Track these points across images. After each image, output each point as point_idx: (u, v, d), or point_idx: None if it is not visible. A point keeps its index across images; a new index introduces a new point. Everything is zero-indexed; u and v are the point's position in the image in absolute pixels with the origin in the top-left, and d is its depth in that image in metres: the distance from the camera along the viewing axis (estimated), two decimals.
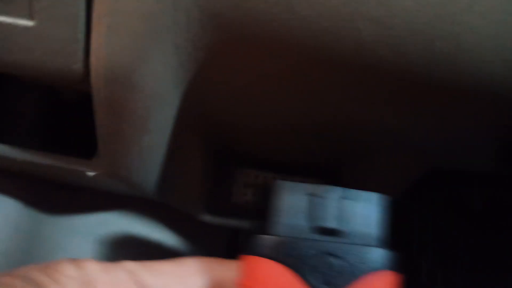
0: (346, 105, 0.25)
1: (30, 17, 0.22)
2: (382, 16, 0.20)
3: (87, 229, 0.42)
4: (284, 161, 0.38)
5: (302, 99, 0.25)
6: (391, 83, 0.22)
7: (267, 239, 0.20)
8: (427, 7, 0.19)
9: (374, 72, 0.22)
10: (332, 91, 0.24)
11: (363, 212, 0.21)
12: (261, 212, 0.39)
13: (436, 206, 0.35)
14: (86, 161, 0.30)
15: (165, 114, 0.27)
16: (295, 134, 0.31)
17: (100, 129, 0.27)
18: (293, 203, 0.20)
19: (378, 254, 0.20)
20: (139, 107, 0.25)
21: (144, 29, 0.21)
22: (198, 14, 0.21)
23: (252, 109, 0.29)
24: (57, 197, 0.41)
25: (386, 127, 0.28)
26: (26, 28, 0.22)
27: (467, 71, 0.21)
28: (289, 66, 0.22)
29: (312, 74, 0.22)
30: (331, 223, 0.20)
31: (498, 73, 0.21)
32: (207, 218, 0.40)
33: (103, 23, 0.21)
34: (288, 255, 0.20)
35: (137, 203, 0.43)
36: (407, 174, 0.32)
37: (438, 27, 0.20)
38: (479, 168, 0.31)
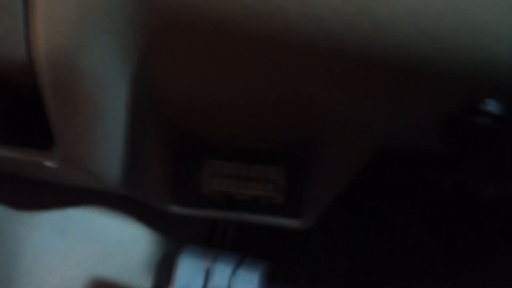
0: (293, 87, 0.26)
1: None
2: None
3: (52, 224, 0.43)
4: (247, 150, 0.39)
5: (247, 79, 0.26)
6: (321, 62, 0.23)
7: None
8: None
9: (303, 49, 0.23)
10: (268, 70, 0.25)
11: (247, 277, 0.25)
12: (227, 200, 0.40)
13: (394, 188, 0.36)
14: (44, 152, 0.31)
15: (116, 101, 0.28)
16: (250, 119, 0.32)
17: (52, 117, 0.27)
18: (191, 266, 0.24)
19: None
20: (85, 93, 0.26)
21: (79, 16, 0.22)
22: (133, 3, 0.22)
23: (204, 97, 0.29)
24: (23, 193, 0.41)
25: (335, 108, 0.29)
26: None
27: (386, 45, 0.22)
28: (229, 50, 0.23)
29: (247, 54, 0.23)
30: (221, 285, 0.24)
31: (419, 46, 0.22)
32: (176, 209, 0.40)
33: (39, 11, 0.22)
34: None
35: (104, 198, 0.44)
36: (357, 155, 0.33)
37: (353, 4, 0.21)
38: (424, 147, 0.32)
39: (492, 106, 0.25)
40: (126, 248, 0.43)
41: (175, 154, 0.39)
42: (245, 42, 0.23)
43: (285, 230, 0.39)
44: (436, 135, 0.31)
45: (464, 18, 0.21)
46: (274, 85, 0.27)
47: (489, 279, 0.36)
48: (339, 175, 0.35)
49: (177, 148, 0.38)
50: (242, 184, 0.40)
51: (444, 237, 0.39)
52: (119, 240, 0.43)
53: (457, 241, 0.37)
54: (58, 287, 0.40)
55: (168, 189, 0.40)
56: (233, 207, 0.39)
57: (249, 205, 0.39)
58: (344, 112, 0.30)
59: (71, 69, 0.24)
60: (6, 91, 0.32)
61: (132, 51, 0.25)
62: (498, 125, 0.26)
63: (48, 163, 0.31)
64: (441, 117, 0.29)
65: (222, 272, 0.26)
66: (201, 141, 0.38)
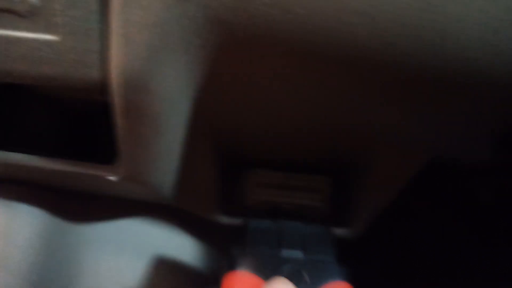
0: (346, 103, 0.27)
1: (54, 32, 0.24)
2: (372, 10, 0.21)
3: (105, 236, 0.44)
4: (292, 160, 0.39)
5: (304, 100, 0.26)
6: (386, 77, 0.24)
7: (245, 257, 0.26)
8: (413, 0, 0.21)
9: (369, 66, 0.23)
10: (330, 89, 0.25)
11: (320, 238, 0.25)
12: (273, 210, 0.40)
13: (439, 201, 0.36)
14: (109, 167, 0.32)
15: (177, 118, 0.29)
16: (299, 133, 0.32)
17: (120, 133, 0.29)
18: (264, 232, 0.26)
19: (334, 269, 0.26)
20: (154, 110, 0.27)
21: (155, 38, 0.23)
22: (204, 21, 0.23)
23: (257, 112, 0.30)
24: (78, 205, 0.43)
25: (386, 122, 0.29)
26: (50, 43, 0.24)
27: (454, 59, 0.22)
28: (289, 66, 0.24)
29: (311, 73, 0.24)
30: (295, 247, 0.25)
31: (485, 60, 0.23)
32: (223, 219, 0.41)
33: (117, 34, 0.23)
34: (263, 268, 0.25)
35: (154, 209, 0.45)
36: (407, 166, 0.33)
37: (422, 18, 0.21)
38: (478, 160, 0.32)
39: None
40: (176, 257, 0.44)
41: (222, 165, 0.40)
42: (311, 63, 0.24)
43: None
44: (490, 147, 0.31)
45: None
46: (330, 103, 0.27)
47: None
48: (389, 186, 0.36)
49: (225, 160, 0.39)
50: (288, 193, 0.41)
51: (495, 248, 0.39)
52: (169, 250, 0.44)
53: (506, 253, 0.37)
54: None
55: (216, 200, 0.41)
56: (279, 216, 0.40)
57: (295, 214, 0.40)
58: (393, 125, 0.30)
59: (142, 89, 0.25)
60: (72, 108, 0.34)
61: (199, 71, 0.26)
62: None
63: (111, 177, 0.33)
64: (497, 130, 0.29)
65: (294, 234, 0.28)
66: (248, 152, 0.39)
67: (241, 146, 0.38)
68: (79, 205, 0.43)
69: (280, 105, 0.29)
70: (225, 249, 0.46)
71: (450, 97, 0.26)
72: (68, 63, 0.24)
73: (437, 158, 0.32)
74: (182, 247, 0.45)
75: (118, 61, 0.24)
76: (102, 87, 0.26)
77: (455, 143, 0.31)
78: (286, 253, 0.29)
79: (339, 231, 0.40)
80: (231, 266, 0.27)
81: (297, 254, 0.29)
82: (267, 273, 0.26)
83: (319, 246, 0.30)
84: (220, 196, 0.41)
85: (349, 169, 0.39)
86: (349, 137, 0.33)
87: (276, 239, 0.31)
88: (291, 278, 0.24)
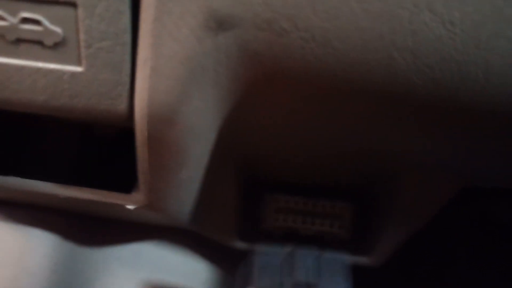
0: (377, 132, 0.26)
1: (78, 63, 0.23)
2: (415, 46, 0.21)
3: (121, 261, 0.43)
4: (314, 186, 0.39)
5: (333, 130, 0.26)
6: (422, 108, 0.23)
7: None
8: (456, 35, 0.20)
9: (406, 99, 0.23)
10: (363, 119, 0.25)
11: (330, 267, 0.24)
12: (290, 235, 0.39)
13: (470, 225, 0.36)
14: (127, 195, 0.31)
15: (201, 148, 0.28)
16: (322, 158, 0.32)
17: (141, 164, 0.28)
18: (270, 262, 0.23)
19: None
20: (179, 142, 0.26)
21: (186, 71, 0.22)
22: (238, 53, 0.22)
23: (284, 140, 0.29)
24: (91, 229, 0.42)
25: (417, 149, 0.28)
26: (74, 74, 0.23)
27: (498, 94, 0.22)
28: (322, 98, 0.23)
29: (345, 105, 0.23)
30: (304, 277, 0.23)
31: None
32: (241, 245, 0.40)
33: (147, 66, 0.22)
34: None
35: (169, 233, 0.44)
36: (438, 194, 0.32)
37: (467, 53, 0.20)
38: (508, 186, 0.31)
39: None
40: (190, 282, 0.43)
41: (242, 190, 0.39)
42: (346, 95, 0.23)
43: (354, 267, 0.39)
44: None
45: None
46: (365, 135, 0.27)
47: None
48: (416, 214, 0.35)
49: (245, 185, 0.39)
50: (308, 219, 0.40)
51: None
52: (183, 275, 0.44)
53: None
54: None
55: (234, 225, 0.40)
56: (298, 242, 0.39)
57: (314, 241, 0.39)
58: (423, 154, 0.29)
59: (168, 122, 0.24)
60: (93, 133, 0.33)
61: (228, 102, 0.25)
62: None
63: (130, 205, 0.32)
64: None
65: (304, 262, 0.25)
66: (269, 177, 0.38)
67: (262, 171, 0.37)
68: (93, 229, 0.42)
69: (304, 131, 0.28)
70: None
71: (482, 125, 0.25)
72: (92, 94, 0.24)
73: (471, 185, 0.31)
74: (197, 272, 0.44)
75: (144, 94, 0.23)
76: (126, 119, 0.25)
77: (489, 171, 0.30)
78: (298, 278, 0.27)
79: (359, 259, 0.39)
80: None
81: (310, 280, 0.27)
82: None
83: (334, 273, 0.28)
84: (239, 221, 0.40)
85: (373, 196, 0.38)
86: (374, 163, 0.32)
87: (288, 265, 0.30)
88: None
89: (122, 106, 0.24)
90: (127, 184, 0.32)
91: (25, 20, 0.22)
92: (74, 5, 0.22)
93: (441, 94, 0.22)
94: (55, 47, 0.23)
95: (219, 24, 0.21)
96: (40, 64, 0.23)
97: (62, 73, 0.23)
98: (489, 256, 0.39)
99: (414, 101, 0.23)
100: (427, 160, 0.30)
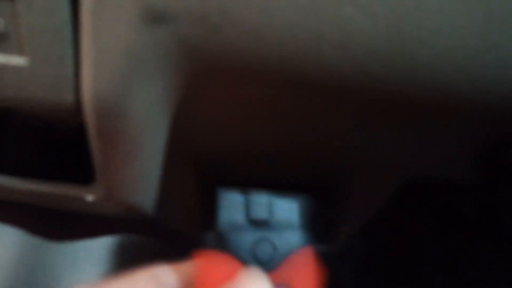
0: (322, 126, 0.26)
1: (21, 56, 0.24)
2: (343, 38, 0.21)
3: (87, 254, 0.43)
4: (271, 180, 0.39)
5: (277, 124, 0.26)
6: (360, 102, 0.24)
7: (212, 235, 0.26)
8: (382, 28, 0.21)
9: (340, 91, 0.23)
10: (303, 114, 0.25)
11: (286, 205, 0.26)
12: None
13: (422, 216, 0.37)
14: (86, 187, 0.32)
15: (155, 142, 0.29)
16: (277, 154, 0.32)
17: (95, 157, 0.28)
18: (231, 201, 0.26)
19: (299, 236, 0.26)
20: (129, 135, 0.27)
21: (127, 64, 0.23)
22: (176, 47, 0.23)
23: (235, 135, 0.30)
24: (56, 224, 0.42)
25: (363, 143, 0.29)
26: (18, 67, 0.24)
27: (425, 84, 0.23)
28: (262, 91, 0.24)
29: (284, 98, 0.24)
30: (262, 215, 0.25)
31: (457, 83, 0.23)
32: (204, 233, 0.41)
33: (89, 59, 0.23)
34: (229, 246, 0.24)
35: (135, 225, 0.44)
36: (388, 184, 0.33)
37: (393, 46, 0.21)
38: (458, 176, 0.32)
39: None
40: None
41: (203, 184, 0.39)
42: (284, 88, 0.24)
43: None
44: (468, 164, 0.31)
45: (506, 55, 0.22)
46: (306, 126, 0.27)
47: None
48: (368, 204, 0.36)
49: (205, 179, 0.39)
50: None
51: (472, 265, 0.39)
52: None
53: (492, 268, 0.37)
54: None
55: (197, 217, 0.41)
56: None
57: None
58: (371, 146, 0.30)
59: (116, 113, 0.25)
60: (48, 131, 0.33)
61: (173, 94, 0.26)
62: None
63: (88, 198, 0.32)
64: (474, 149, 0.29)
65: (260, 202, 0.27)
66: (228, 172, 0.39)
67: (220, 166, 0.38)
68: (59, 223, 0.43)
69: (256, 126, 0.29)
70: None
71: (425, 118, 0.26)
72: (37, 88, 0.24)
73: (418, 176, 0.32)
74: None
75: (89, 86, 0.24)
76: (75, 111, 0.26)
77: (435, 161, 0.31)
78: (253, 220, 0.28)
79: (317, 248, 0.40)
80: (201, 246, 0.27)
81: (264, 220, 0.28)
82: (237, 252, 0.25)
83: (287, 210, 0.30)
84: (201, 213, 0.41)
85: (329, 188, 0.39)
86: (328, 158, 0.33)
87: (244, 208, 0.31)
88: (257, 246, 0.25)
89: (67, 99, 0.25)
90: (88, 177, 0.32)
91: None
92: None
93: (373, 86, 0.23)
94: None
95: (156, 18, 0.22)
96: None
97: (6, 66, 0.24)
98: (449, 245, 0.40)
99: (348, 93, 0.23)
100: (374, 153, 0.31)
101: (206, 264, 0.25)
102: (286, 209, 0.26)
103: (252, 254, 0.25)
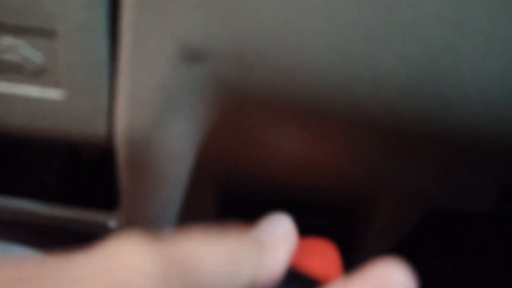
0: (347, 157, 0.27)
1: (57, 90, 0.24)
2: (374, 79, 0.22)
3: None
4: (292, 207, 0.40)
5: (304, 157, 0.27)
6: (386, 138, 0.24)
7: None
8: (413, 69, 0.22)
9: (369, 128, 0.24)
10: (331, 148, 0.26)
11: None
12: None
13: (442, 247, 0.37)
14: (109, 214, 0.32)
15: (180, 172, 0.29)
16: (301, 183, 0.33)
17: (121, 184, 0.29)
18: None
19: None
20: (156, 165, 0.27)
21: (161, 99, 0.23)
22: (211, 83, 0.23)
23: (259, 162, 0.31)
24: (75, 247, 0.42)
25: (386, 173, 0.30)
26: (54, 101, 0.24)
27: (455, 123, 0.23)
28: (291, 127, 0.24)
29: (312, 132, 0.25)
30: None
31: (486, 123, 0.23)
32: None
33: (124, 94, 0.23)
34: None
35: None
36: (410, 215, 0.33)
37: (424, 87, 0.22)
38: (480, 208, 0.32)
39: None
40: None
41: (223, 210, 0.40)
42: (310, 125, 0.24)
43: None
44: (491, 197, 0.31)
45: None
46: (331, 156, 0.28)
47: None
48: (389, 234, 0.36)
49: (226, 204, 0.40)
50: None
51: None
52: None
53: None
54: None
55: None
56: None
57: None
58: (396, 177, 0.30)
59: (147, 146, 0.25)
60: (75, 158, 0.34)
61: (204, 127, 0.26)
62: None
63: (111, 224, 0.33)
64: (498, 183, 0.30)
65: None
66: (250, 199, 0.39)
67: (242, 192, 0.38)
68: (78, 247, 0.43)
69: (283, 161, 0.29)
70: None
71: (451, 153, 0.26)
72: (71, 121, 0.25)
73: (440, 207, 0.33)
74: None
75: (123, 119, 0.24)
76: (106, 143, 0.26)
77: (457, 193, 0.31)
78: None
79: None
80: None
81: None
82: None
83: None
84: None
85: (350, 217, 0.39)
86: (350, 187, 0.34)
87: None
88: None
89: (100, 132, 0.25)
90: (109, 203, 0.33)
91: (7, 47, 0.24)
92: (53, 34, 0.23)
93: (402, 125, 0.23)
94: (35, 75, 0.24)
95: (193, 56, 0.22)
96: (20, 90, 0.24)
97: (41, 99, 0.24)
98: (467, 276, 0.40)
99: (377, 130, 0.24)
100: (397, 183, 0.31)
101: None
102: None
103: None
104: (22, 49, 0.23)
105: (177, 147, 0.27)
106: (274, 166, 0.29)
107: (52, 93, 0.24)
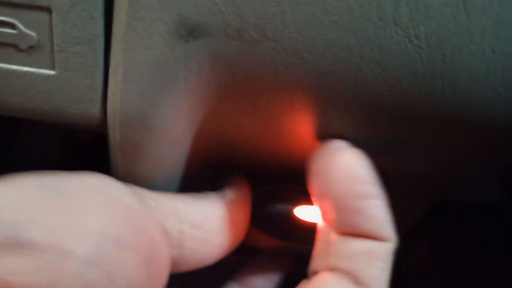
0: (350, 139, 0.26)
1: (52, 67, 0.23)
2: (382, 59, 0.21)
3: None
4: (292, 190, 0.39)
5: (308, 138, 0.26)
6: (392, 120, 0.23)
7: None
8: (423, 50, 0.21)
9: (375, 109, 0.23)
10: (335, 129, 0.25)
11: None
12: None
13: (447, 239, 0.36)
14: None
15: (177, 154, 0.28)
16: (299, 167, 0.32)
17: (115, 168, 0.28)
18: None
19: None
20: (153, 149, 0.26)
21: (157, 77, 0.22)
22: (208, 61, 0.22)
23: (260, 143, 0.30)
24: None
25: (392, 157, 0.29)
26: (47, 77, 0.24)
27: (463, 105, 0.22)
28: (295, 107, 0.23)
29: (315, 114, 0.24)
30: None
31: (494, 106, 0.22)
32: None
33: (118, 72, 0.22)
34: None
35: None
36: (414, 207, 0.32)
37: (432, 67, 0.21)
38: (485, 199, 0.31)
39: None
40: None
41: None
42: (314, 103, 0.23)
43: None
44: (498, 186, 0.30)
45: None
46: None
47: None
48: (397, 224, 0.35)
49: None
50: None
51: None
52: None
53: None
54: None
55: None
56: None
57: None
58: (400, 162, 0.29)
59: (142, 127, 0.24)
60: (67, 140, 0.33)
61: (201, 109, 0.25)
62: None
63: None
64: (501, 168, 0.29)
65: None
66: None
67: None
68: None
69: (284, 141, 0.28)
70: None
71: (458, 140, 0.26)
72: (65, 98, 0.24)
73: (444, 198, 0.32)
74: None
75: (116, 99, 0.23)
76: (100, 124, 0.25)
77: (462, 184, 0.31)
78: None
79: None
80: None
81: None
82: None
83: None
84: None
85: None
86: None
87: None
88: None
89: (95, 110, 0.24)
90: None
91: (0, 24, 0.23)
92: (48, 10, 0.22)
93: (409, 106, 0.22)
94: (29, 51, 0.23)
95: (190, 31, 0.21)
96: (14, 67, 0.23)
97: (35, 76, 0.23)
98: (473, 268, 0.39)
99: (383, 112, 0.23)
100: (402, 176, 0.30)
101: None
102: None
103: None
104: (17, 25, 0.23)
105: (173, 129, 0.26)
106: (276, 148, 0.28)
107: (46, 70, 0.23)
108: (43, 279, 0.17)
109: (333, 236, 0.23)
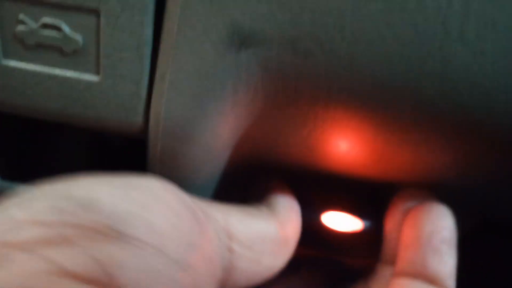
0: (400, 159, 0.25)
1: (96, 72, 0.23)
2: (444, 73, 0.20)
3: None
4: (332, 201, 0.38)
5: (357, 151, 0.25)
6: (451, 135, 0.22)
7: None
8: (487, 64, 0.20)
9: (433, 123, 0.22)
10: (387, 143, 0.24)
11: None
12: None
13: (491, 258, 0.34)
14: None
15: (215, 166, 0.27)
16: (344, 182, 0.31)
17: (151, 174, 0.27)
18: None
19: None
20: (192, 158, 0.25)
21: (204, 87, 0.22)
22: (259, 71, 0.21)
23: (300, 155, 0.29)
24: None
25: (446, 180, 0.28)
26: (90, 83, 0.23)
27: None
28: (347, 121, 0.22)
29: (368, 128, 0.23)
30: None
31: None
32: None
33: (165, 80, 0.22)
34: None
35: None
36: (461, 225, 0.31)
37: (497, 81, 0.20)
38: None
39: None
40: None
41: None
42: (366, 118, 0.22)
43: None
44: None
45: None
46: (383, 158, 0.26)
47: None
48: None
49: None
50: None
51: None
52: None
53: None
54: None
55: None
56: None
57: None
58: (449, 186, 0.28)
59: (185, 138, 0.24)
60: (105, 145, 0.33)
61: (246, 120, 0.24)
62: None
63: None
64: None
65: None
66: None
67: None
68: None
69: (331, 156, 0.27)
70: None
71: (505, 157, 0.24)
72: (107, 105, 0.23)
73: (491, 218, 0.31)
74: None
75: (160, 108, 0.23)
76: (141, 132, 0.24)
77: (508, 202, 0.29)
78: None
79: None
80: None
81: None
82: None
83: None
84: None
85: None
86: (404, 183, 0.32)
87: None
88: None
89: (137, 118, 0.24)
90: None
91: (46, 26, 0.22)
92: (96, 13, 0.21)
93: (469, 121, 0.21)
94: (74, 55, 0.22)
95: (243, 40, 0.20)
96: (57, 71, 0.23)
97: (78, 81, 0.23)
98: None
99: (441, 126, 0.22)
100: (449, 194, 0.29)
101: None
102: None
103: None
104: (63, 28, 0.22)
105: (216, 140, 0.25)
106: (314, 158, 0.27)
107: (89, 76, 0.23)
108: (141, 278, 0.15)
109: (395, 277, 0.24)
